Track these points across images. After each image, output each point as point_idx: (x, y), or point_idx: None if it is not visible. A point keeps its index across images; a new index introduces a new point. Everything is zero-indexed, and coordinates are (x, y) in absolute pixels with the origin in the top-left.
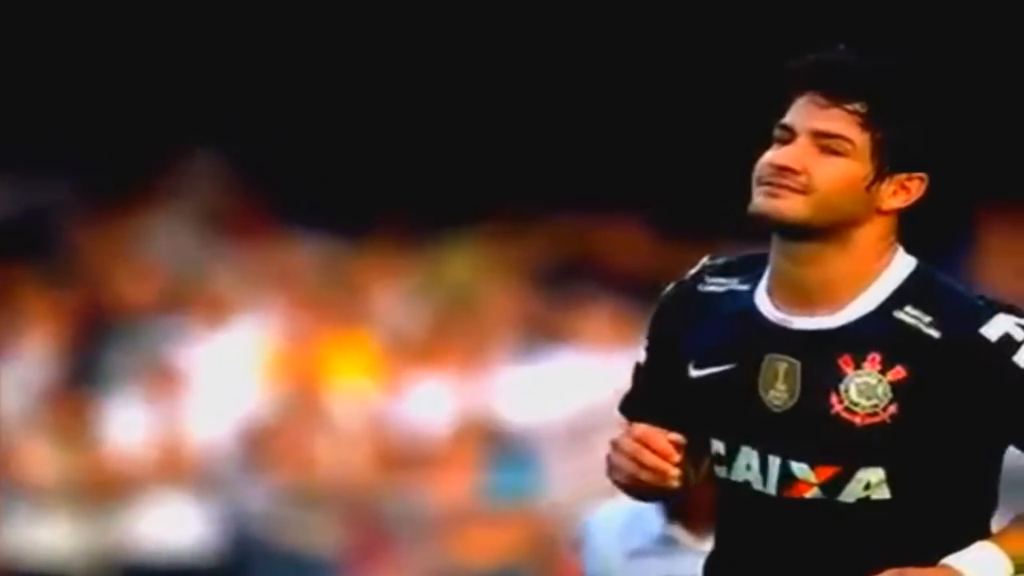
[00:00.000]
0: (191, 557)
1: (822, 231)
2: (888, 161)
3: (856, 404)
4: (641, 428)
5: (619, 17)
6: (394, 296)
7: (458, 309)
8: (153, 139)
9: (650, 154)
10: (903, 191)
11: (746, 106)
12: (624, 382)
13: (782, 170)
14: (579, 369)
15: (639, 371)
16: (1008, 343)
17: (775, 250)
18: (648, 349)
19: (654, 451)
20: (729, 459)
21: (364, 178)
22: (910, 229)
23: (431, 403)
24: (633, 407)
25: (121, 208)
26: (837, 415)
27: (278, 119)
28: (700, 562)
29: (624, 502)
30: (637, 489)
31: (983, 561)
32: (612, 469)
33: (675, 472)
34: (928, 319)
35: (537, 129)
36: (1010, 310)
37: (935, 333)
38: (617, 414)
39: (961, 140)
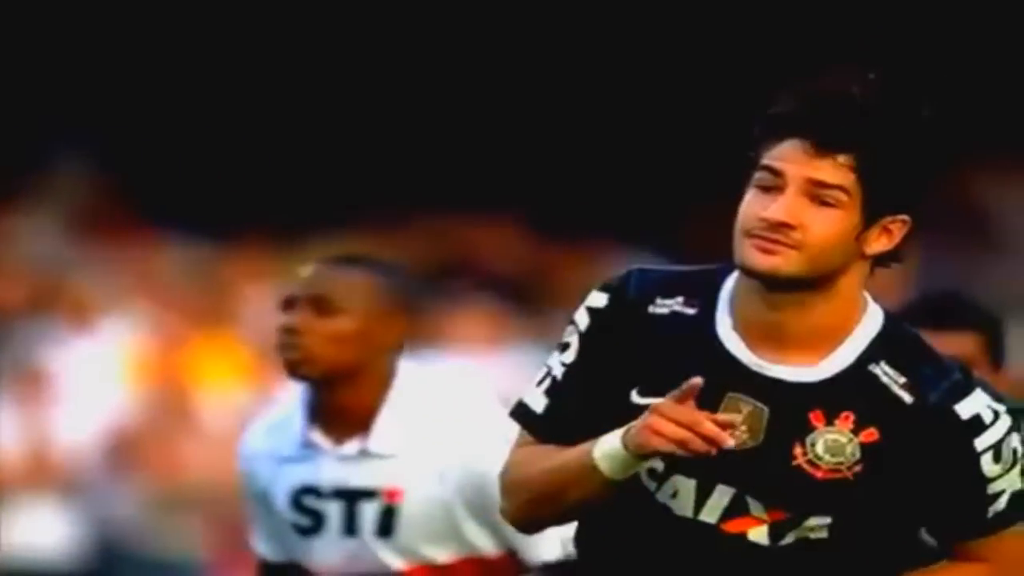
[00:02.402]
0: (57, 562)
1: (811, 281)
2: (877, 208)
3: (820, 459)
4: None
5: (489, 16)
6: (264, 299)
7: None
8: (20, 140)
9: (523, 154)
10: (886, 234)
11: (619, 107)
12: (500, 382)
13: (777, 225)
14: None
15: (559, 385)
16: (976, 424)
17: (750, 293)
18: (578, 365)
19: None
20: (657, 483)
21: (234, 180)
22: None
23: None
24: (549, 424)
25: None
26: (798, 466)
27: (146, 120)
28: (339, 466)
29: (270, 412)
30: (674, 455)
31: None
32: (655, 434)
33: (731, 442)
34: (903, 380)
35: (409, 130)
36: (984, 387)
37: (907, 397)
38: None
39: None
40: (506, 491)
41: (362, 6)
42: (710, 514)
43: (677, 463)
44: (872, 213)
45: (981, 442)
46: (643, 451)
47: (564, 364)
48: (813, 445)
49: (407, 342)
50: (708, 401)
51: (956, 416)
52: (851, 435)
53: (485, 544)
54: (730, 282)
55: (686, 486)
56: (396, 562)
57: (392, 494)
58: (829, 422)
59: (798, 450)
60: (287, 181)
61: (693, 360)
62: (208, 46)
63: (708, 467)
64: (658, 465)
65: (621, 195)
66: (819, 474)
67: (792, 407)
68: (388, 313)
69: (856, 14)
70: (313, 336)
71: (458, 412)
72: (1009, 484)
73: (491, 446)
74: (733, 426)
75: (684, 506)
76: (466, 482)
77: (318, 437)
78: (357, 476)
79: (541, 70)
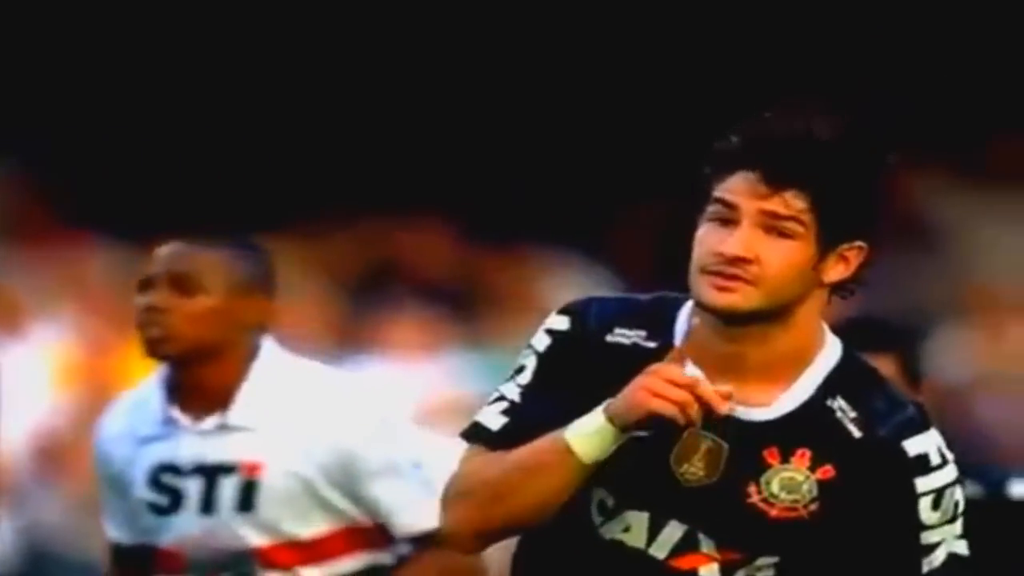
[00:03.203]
0: None
1: (769, 314)
2: (832, 236)
3: (775, 497)
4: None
5: (417, 18)
6: None
7: None
8: None
9: (454, 159)
10: (843, 262)
11: (548, 111)
12: (430, 388)
13: (733, 260)
14: (385, 376)
15: (516, 406)
16: (921, 464)
17: (708, 326)
18: (537, 386)
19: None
20: (608, 518)
21: (161, 183)
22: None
23: None
24: (506, 441)
25: None
26: (752, 505)
27: (71, 123)
28: (198, 442)
29: (126, 395)
30: (669, 421)
31: None
32: (653, 396)
33: (725, 408)
34: (854, 415)
35: (339, 134)
36: (935, 430)
37: (857, 432)
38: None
39: None
40: (455, 498)
41: (283, 9)
42: (660, 549)
43: (631, 496)
44: (828, 242)
45: (923, 483)
46: (637, 414)
47: (521, 385)
48: (768, 483)
49: (346, 348)
50: (667, 436)
51: (902, 452)
52: (808, 472)
53: (352, 516)
54: (685, 313)
55: (639, 519)
56: (257, 539)
57: (252, 468)
58: (785, 459)
59: (752, 488)
60: (215, 185)
61: None
62: (131, 48)
63: (662, 501)
64: (609, 500)
65: (551, 199)
66: (773, 512)
67: (749, 444)
68: (249, 291)
69: (785, 23)
70: (174, 315)
71: (323, 387)
72: (945, 538)
73: (357, 421)
74: (730, 396)
75: (636, 540)
76: (331, 456)
77: (177, 414)
78: (216, 451)
79: (470, 74)
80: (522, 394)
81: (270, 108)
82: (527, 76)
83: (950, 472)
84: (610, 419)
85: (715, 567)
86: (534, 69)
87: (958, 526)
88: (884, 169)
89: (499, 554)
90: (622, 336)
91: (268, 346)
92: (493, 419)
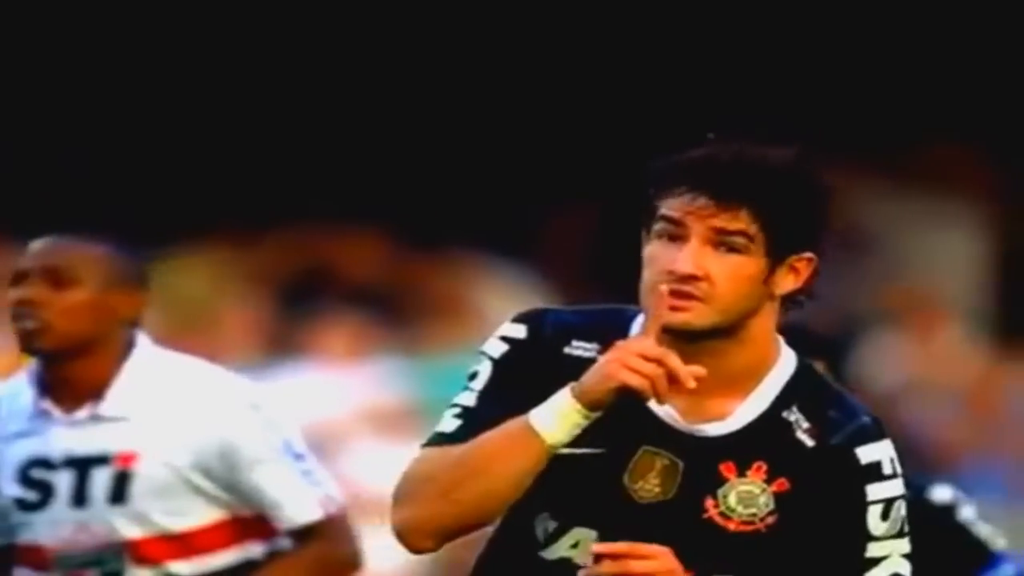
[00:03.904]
0: None
1: (723, 329)
2: (781, 249)
3: (732, 511)
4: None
5: (344, 24)
6: None
7: (193, 324)
8: None
9: (384, 164)
10: (793, 273)
11: (477, 116)
12: (362, 394)
13: (685, 277)
14: (317, 383)
15: (473, 411)
16: (874, 471)
17: (662, 343)
18: (493, 391)
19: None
20: (554, 538)
21: (90, 188)
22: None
23: None
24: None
25: None
26: (709, 519)
27: None
28: (70, 433)
29: None
30: (638, 395)
31: None
32: (625, 368)
33: (692, 384)
34: (807, 425)
35: (269, 140)
36: (889, 441)
37: (810, 441)
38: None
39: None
40: (409, 493)
41: (212, 15)
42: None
43: (579, 515)
44: (777, 255)
45: (874, 491)
46: (607, 386)
47: (477, 391)
48: (725, 497)
49: (277, 354)
50: (621, 455)
51: (855, 459)
52: (764, 485)
53: (231, 508)
54: (638, 327)
55: (588, 538)
56: (130, 531)
57: (126, 459)
58: (741, 473)
59: (710, 503)
60: (145, 190)
61: (607, 411)
62: (57, 50)
63: (614, 519)
64: (552, 523)
65: (482, 204)
66: (731, 526)
67: (705, 459)
68: (123, 285)
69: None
70: (48, 308)
71: (198, 379)
72: (891, 554)
73: (235, 411)
74: (700, 373)
75: (584, 558)
76: (209, 445)
77: (50, 406)
78: (89, 442)
79: (399, 80)
80: (478, 399)
81: (201, 113)
82: (458, 82)
83: (900, 485)
84: (577, 397)
85: None
86: (465, 75)
87: (905, 544)
88: (828, 180)
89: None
90: (580, 349)
91: (143, 340)
92: (448, 424)
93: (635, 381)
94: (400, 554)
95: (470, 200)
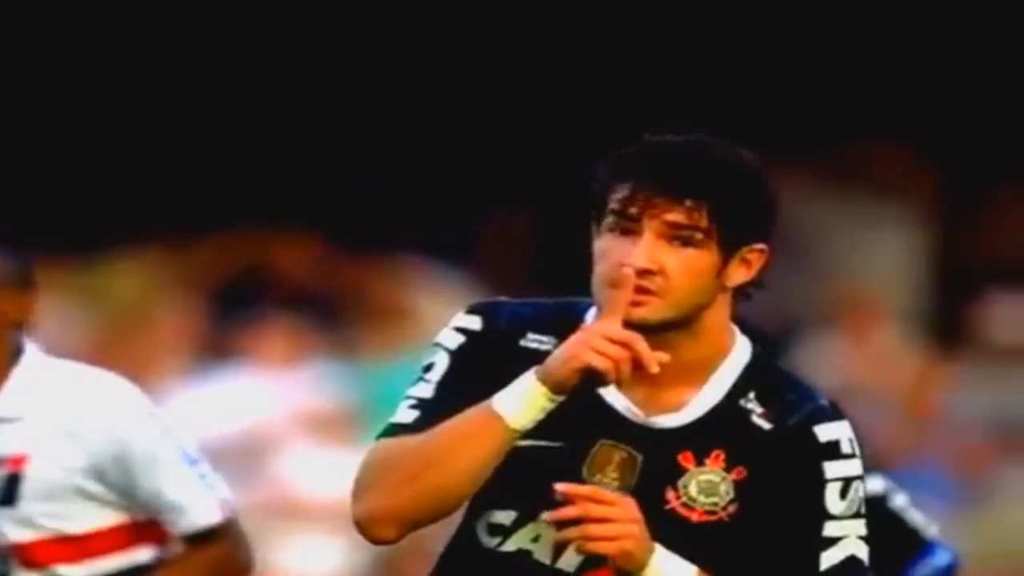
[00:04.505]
0: None
1: (678, 322)
2: (733, 242)
3: (694, 501)
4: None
5: (277, 27)
6: (58, 315)
7: (127, 328)
8: None
9: (319, 167)
10: (745, 265)
11: (413, 119)
12: (299, 399)
13: (639, 272)
14: (252, 387)
15: (429, 402)
16: (832, 449)
17: None
18: (449, 382)
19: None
20: (512, 530)
21: (24, 191)
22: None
23: None
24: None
25: None
26: (672, 511)
27: None
28: None
29: None
30: (602, 377)
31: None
32: (592, 350)
33: (656, 368)
34: (762, 410)
35: (204, 144)
36: (849, 423)
37: (767, 425)
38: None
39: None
40: (370, 483)
41: (133, 19)
42: (568, 563)
43: (539, 508)
44: (730, 247)
45: (832, 469)
46: (572, 367)
47: (433, 382)
48: (686, 487)
49: (212, 358)
50: (579, 447)
51: (813, 437)
52: (723, 473)
53: (125, 511)
54: (591, 319)
55: (547, 532)
56: (17, 534)
57: (16, 461)
58: (700, 462)
59: (671, 494)
60: (80, 195)
61: (566, 404)
62: None
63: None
64: (511, 516)
65: (418, 207)
66: (694, 517)
67: (663, 450)
68: (9, 288)
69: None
70: None
71: (90, 382)
72: (848, 535)
73: (128, 414)
74: (664, 360)
75: (544, 552)
76: (103, 448)
77: None
78: None
79: (335, 84)
80: (435, 390)
81: (134, 117)
82: (393, 86)
83: (859, 466)
84: (542, 380)
85: None
86: (400, 79)
87: (862, 526)
88: (772, 175)
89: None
90: (536, 342)
91: (31, 346)
92: (405, 415)
93: (600, 363)
94: (333, 557)
95: (406, 203)
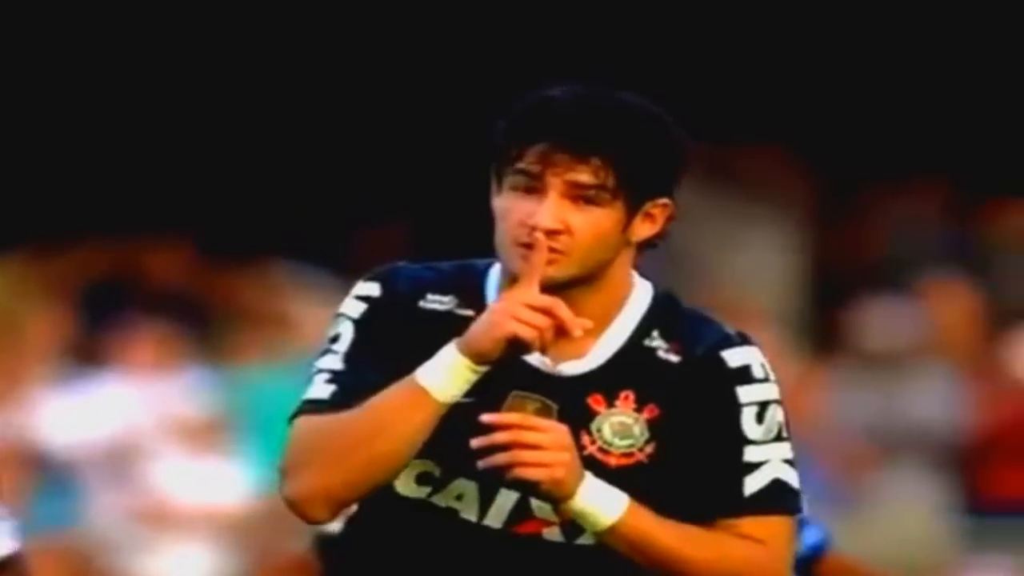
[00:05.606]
0: None
1: (583, 279)
2: (638, 197)
3: (610, 444)
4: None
5: (163, 33)
6: None
7: None
8: None
9: (190, 174)
10: (650, 220)
11: (285, 126)
12: (167, 405)
13: (544, 232)
14: (122, 393)
15: (342, 373)
16: (743, 374)
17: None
18: (357, 350)
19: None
20: (441, 484)
21: None
22: None
23: None
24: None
25: None
26: (590, 456)
27: None
28: None
29: None
30: (525, 345)
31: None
32: (514, 320)
33: (579, 333)
34: (667, 345)
35: (74, 146)
36: (759, 349)
37: (674, 358)
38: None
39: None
40: (298, 462)
41: (18, 28)
42: (495, 518)
43: (459, 465)
44: (634, 203)
45: (745, 393)
46: (495, 337)
47: (341, 352)
48: (600, 431)
49: (81, 364)
50: (493, 401)
51: (722, 362)
52: (635, 414)
53: None
54: (493, 279)
55: (469, 489)
56: None
57: None
58: (610, 404)
59: (586, 439)
60: None
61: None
62: None
63: (490, 469)
64: (436, 470)
65: (288, 214)
66: (612, 461)
67: (573, 397)
68: None
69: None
70: None
71: None
72: (769, 458)
73: None
74: (588, 325)
75: (469, 511)
76: None
77: None
78: None
79: (209, 90)
80: (345, 361)
81: (5, 122)
82: (265, 94)
83: (774, 390)
84: (464, 351)
85: (556, 530)
86: (279, 86)
87: (786, 449)
88: (679, 131)
89: None
90: (436, 303)
91: None
92: (321, 390)
93: (524, 332)
94: (204, 564)
95: (278, 209)
